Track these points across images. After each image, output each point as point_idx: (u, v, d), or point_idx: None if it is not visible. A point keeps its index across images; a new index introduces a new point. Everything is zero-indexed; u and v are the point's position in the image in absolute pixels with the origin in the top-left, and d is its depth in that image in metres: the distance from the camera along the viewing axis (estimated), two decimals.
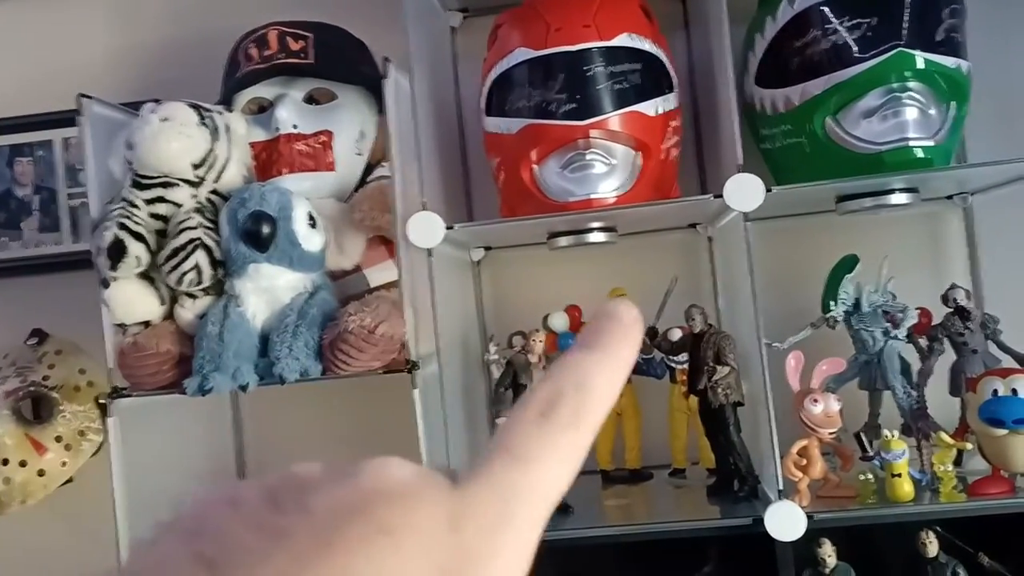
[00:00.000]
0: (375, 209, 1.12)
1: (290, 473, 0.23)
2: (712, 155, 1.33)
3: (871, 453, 1.14)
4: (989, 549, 1.10)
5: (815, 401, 1.08)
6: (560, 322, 1.30)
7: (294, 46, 1.18)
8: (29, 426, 1.29)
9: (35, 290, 1.52)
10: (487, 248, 1.44)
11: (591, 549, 1.13)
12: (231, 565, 0.19)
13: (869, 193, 1.15)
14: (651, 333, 1.28)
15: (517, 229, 1.23)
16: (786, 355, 1.11)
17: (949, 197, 1.34)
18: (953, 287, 1.18)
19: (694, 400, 1.19)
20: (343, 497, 0.21)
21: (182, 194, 1.12)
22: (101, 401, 1.16)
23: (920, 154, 1.07)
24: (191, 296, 1.12)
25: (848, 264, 1.16)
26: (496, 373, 1.25)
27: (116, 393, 1.14)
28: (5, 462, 1.26)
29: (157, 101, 1.15)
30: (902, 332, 1.15)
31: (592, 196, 1.11)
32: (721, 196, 1.05)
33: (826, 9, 1.08)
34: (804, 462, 1.09)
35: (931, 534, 1.07)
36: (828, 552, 1.07)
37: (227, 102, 1.21)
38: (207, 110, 1.14)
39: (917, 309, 1.17)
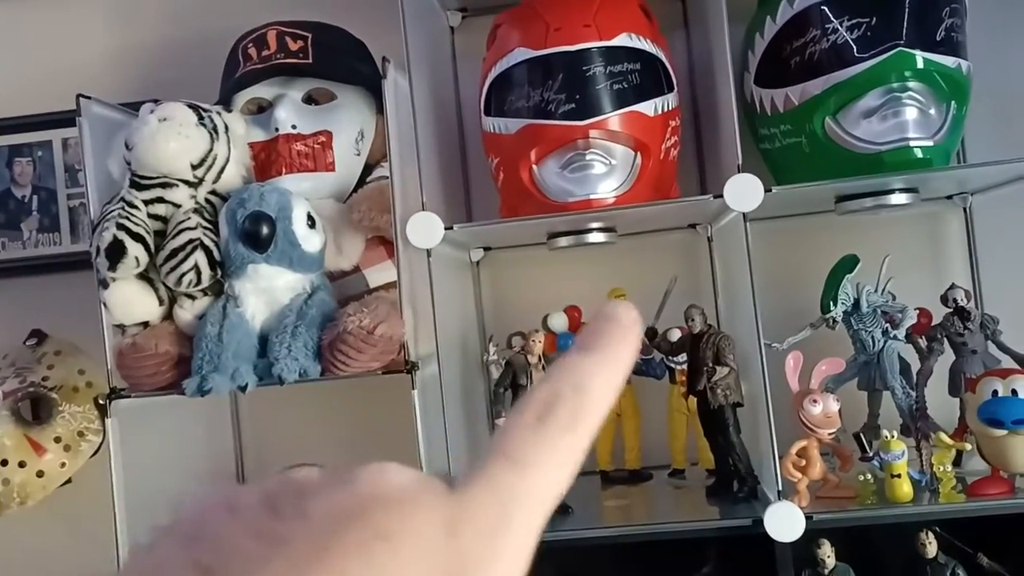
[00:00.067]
0: (374, 209, 1.12)
1: (288, 478, 0.23)
2: (712, 155, 1.33)
3: (870, 454, 1.14)
4: (988, 549, 1.10)
5: (814, 401, 1.08)
6: (559, 322, 1.30)
7: (293, 46, 1.18)
8: (28, 427, 1.29)
9: (34, 291, 1.52)
10: (486, 248, 1.44)
11: (590, 550, 1.13)
12: (228, 571, 0.19)
13: (869, 193, 1.15)
14: (650, 333, 1.28)
15: (516, 229, 1.23)
16: (785, 355, 1.11)
17: (949, 197, 1.34)
18: (952, 287, 1.18)
19: (693, 401, 1.19)
20: (341, 503, 0.21)
21: (181, 194, 1.12)
22: (100, 402, 1.16)
23: (920, 154, 1.07)
24: (190, 297, 1.12)
25: (848, 264, 1.16)
26: (495, 374, 1.25)
27: (115, 394, 1.14)
28: (4, 463, 1.26)
29: (156, 101, 1.15)
30: (901, 332, 1.15)
31: (591, 196, 1.11)
32: (721, 196, 1.05)
33: (826, 9, 1.08)
34: (803, 463, 1.09)
35: (930, 535, 1.07)
36: (827, 553, 1.07)
37: (226, 102, 1.21)
38: (206, 110, 1.14)
39: (916, 309, 1.17)
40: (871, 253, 1.17)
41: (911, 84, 1.06)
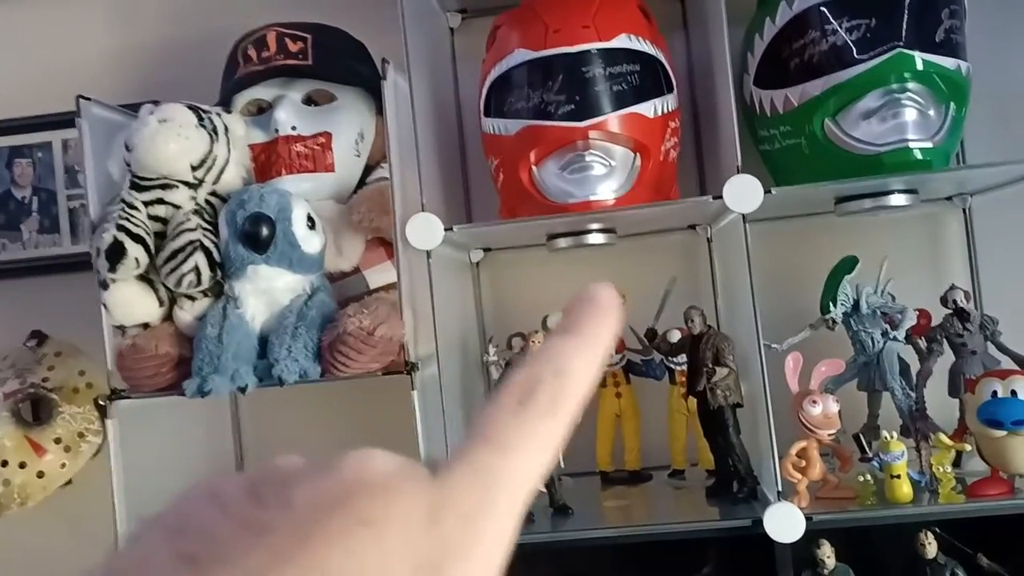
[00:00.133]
0: (374, 211, 1.12)
1: (272, 467, 0.23)
2: (711, 156, 1.33)
3: (870, 454, 1.14)
4: (988, 550, 1.10)
5: (814, 402, 1.08)
6: None
7: (293, 47, 1.18)
8: (28, 428, 1.29)
9: (34, 292, 1.52)
10: (486, 249, 1.44)
11: (590, 550, 1.13)
12: (213, 561, 0.19)
13: (868, 194, 1.15)
14: (650, 334, 1.28)
15: (516, 231, 1.23)
16: (785, 356, 1.11)
17: (948, 198, 1.34)
18: (952, 288, 1.18)
19: (693, 401, 1.19)
20: (324, 490, 0.21)
21: (181, 196, 1.12)
22: (100, 403, 1.16)
23: (919, 155, 1.07)
24: (190, 298, 1.12)
25: (847, 265, 1.16)
26: (495, 374, 1.25)
27: (115, 395, 1.14)
28: (4, 464, 1.26)
29: (156, 103, 1.15)
30: (901, 333, 1.15)
31: (591, 197, 1.11)
32: (720, 197, 1.05)
33: (825, 10, 1.08)
34: (803, 463, 1.09)
35: (930, 535, 1.07)
36: (827, 553, 1.07)
37: (226, 103, 1.21)
38: (206, 111, 1.14)
39: (916, 310, 1.18)
40: (870, 254, 1.17)
41: (910, 85, 1.06)
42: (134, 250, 1.06)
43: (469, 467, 0.23)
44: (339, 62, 1.22)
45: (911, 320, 1.15)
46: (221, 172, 1.14)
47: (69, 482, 1.32)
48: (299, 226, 1.09)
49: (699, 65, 1.34)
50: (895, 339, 1.15)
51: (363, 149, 1.22)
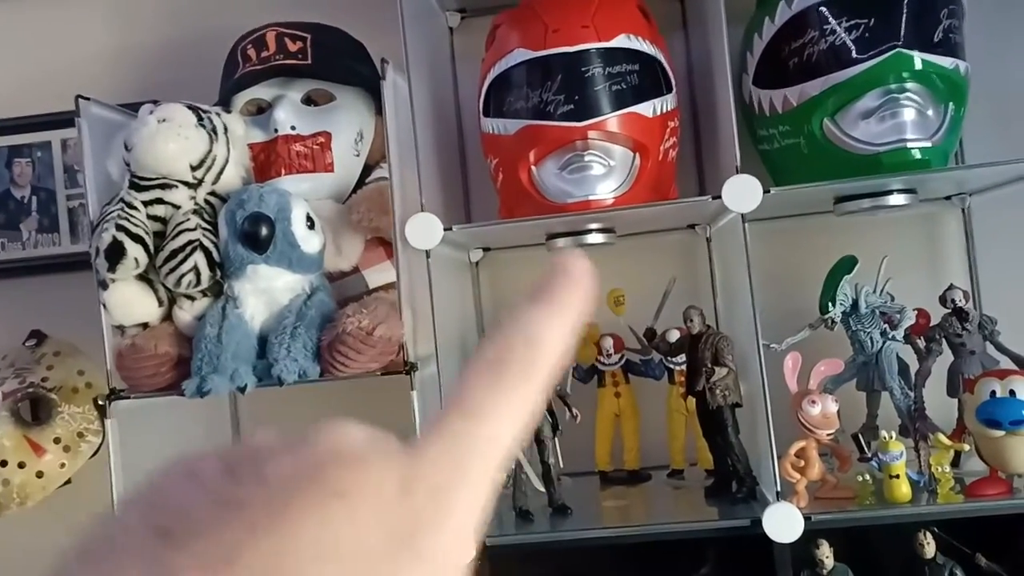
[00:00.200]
0: (373, 210, 1.12)
1: (246, 443, 0.23)
2: (710, 156, 1.33)
3: (869, 454, 1.14)
4: (987, 550, 1.10)
5: (813, 402, 1.08)
6: None
7: (292, 47, 1.18)
8: (27, 428, 1.29)
9: (33, 291, 1.52)
10: (486, 249, 1.44)
11: (589, 550, 1.13)
12: (188, 535, 0.19)
13: (867, 194, 1.15)
14: (649, 334, 1.28)
15: (515, 230, 1.23)
16: (784, 356, 1.11)
17: (947, 198, 1.34)
18: (951, 288, 1.18)
19: (692, 401, 1.20)
20: (297, 464, 0.21)
21: (180, 196, 1.12)
22: (100, 403, 1.16)
23: (918, 155, 1.07)
24: (189, 298, 1.12)
25: (846, 265, 1.16)
26: None
27: (114, 395, 1.14)
28: (3, 464, 1.26)
29: (155, 102, 1.15)
30: (900, 333, 1.15)
31: (590, 197, 1.11)
32: (719, 197, 1.05)
33: (824, 10, 1.08)
34: (802, 463, 1.09)
35: (929, 535, 1.07)
36: (826, 553, 1.07)
37: (225, 103, 1.21)
38: (205, 111, 1.14)
39: (915, 310, 1.18)
40: (869, 254, 1.18)
41: (909, 85, 1.06)
42: (133, 250, 1.06)
43: (442, 436, 0.23)
44: (338, 62, 1.22)
45: (910, 320, 1.15)
46: (220, 172, 1.14)
47: (68, 482, 1.32)
48: (298, 226, 1.09)
49: (698, 65, 1.34)
50: (894, 339, 1.15)
51: (362, 149, 1.22)
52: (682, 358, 1.23)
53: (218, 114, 1.15)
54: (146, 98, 1.24)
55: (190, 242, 1.08)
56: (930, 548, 1.07)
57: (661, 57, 1.15)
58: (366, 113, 1.23)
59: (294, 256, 1.09)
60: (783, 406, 1.09)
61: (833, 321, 1.16)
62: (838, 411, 1.09)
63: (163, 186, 1.11)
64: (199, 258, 1.08)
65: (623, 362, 1.30)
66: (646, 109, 1.12)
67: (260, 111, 1.21)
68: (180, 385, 1.07)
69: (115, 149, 1.15)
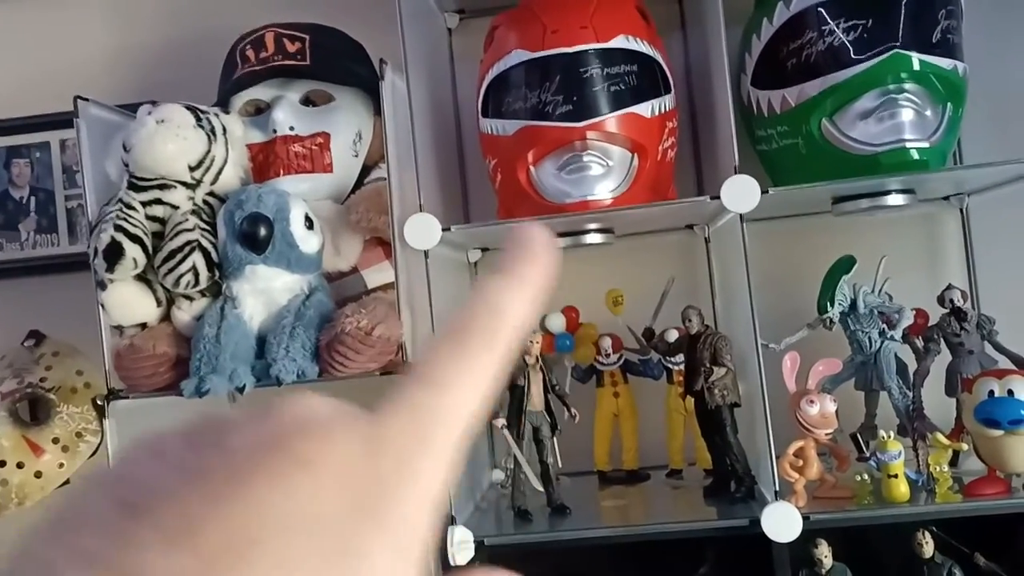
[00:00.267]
0: (372, 211, 1.12)
1: (209, 417, 0.23)
2: (709, 156, 1.33)
3: (867, 454, 1.14)
4: (985, 549, 1.10)
5: (811, 402, 1.08)
6: (557, 323, 1.30)
7: (291, 48, 1.18)
8: (26, 428, 1.29)
9: (32, 292, 1.52)
10: (484, 249, 1.44)
11: (588, 550, 1.14)
12: (150, 507, 0.19)
13: (865, 194, 1.15)
14: (648, 334, 1.28)
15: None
16: (782, 356, 1.11)
17: (945, 198, 1.34)
18: (949, 288, 1.18)
19: (691, 401, 1.20)
20: (261, 434, 0.21)
21: (179, 196, 1.12)
22: (98, 403, 1.16)
23: (916, 156, 1.07)
24: (188, 298, 1.12)
25: (844, 265, 1.16)
26: None
27: (113, 395, 1.14)
28: (2, 464, 1.26)
29: (154, 103, 1.15)
30: (898, 333, 1.15)
31: (589, 197, 1.11)
32: (718, 197, 1.05)
33: (822, 10, 1.08)
34: (800, 463, 1.09)
35: (927, 535, 1.07)
36: (824, 553, 1.07)
37: (224, 104, 1.21)
38: (204, 112, 1.14)
39: (913, 310, 1.18)
40: (868, 254, 1.18)
41: (907, 86, 1.06)
42: (132, 250, 1.06)
43: (405, 405, 0.23)
44: (337, 62, 1.22)
45: (908, 320, 1.16)
46: (219, 172, 1.14)
47: (67, 482, 1.32)
48: (297, 226, 1.09)
49: (697, 65, 1.34)
50: (892, 339, 1.15)
51: (361, 149, 1.22)
52: (681, 358, 1.23)
53: (216, 115, 1.15)
54: (145, 99, 1.24)
55: (188, 242, 1.08)
56: (928, 547, 1.07)
57: (659, 58, 1.15)
58: (365, 114, 1.23)
59: (292, 256, 1.09)
60: (782, 406, 1.09)
61: (831, 321, 1.16)
62: (836, 411, 1.09)
63: (161, 187, 1.11)
64: (197, 258, 1.08)
65: (622, 362, 1.30)
66: (644, 110, 1.12)
67: (259, 112, 1.21)
68: (179, 385, 1.07)
69: (113, 150, 1.15)
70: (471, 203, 1.43)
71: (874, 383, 1.17)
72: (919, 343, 1.19)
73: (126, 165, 1.12)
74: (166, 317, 1.14)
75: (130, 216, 1.08)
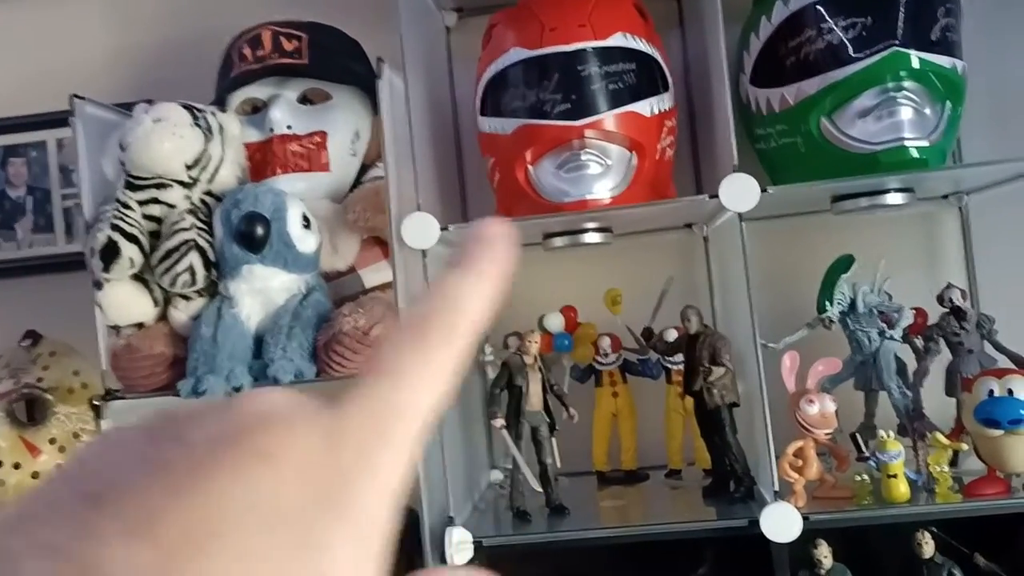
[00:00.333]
0: (369, 210, 1.12)
1: (170, 411, 0.24)
2: (707, 155, 1.33)
3: (867, 454, 1.14)
4: (985, 549, 1.10)
5: (811, 402, 1.08)
6: (556, 323, 1.30)
7: (288, 46, 1.18)
8: (23, 428, 1.28)
9: (29, 291, 1.51)
10: None
11: (587, 550, 1.13)
12: (113, 498, 0.20)
13: (864, 193, 1.15)
14: (647, 334, 1.28)
15: (512, 230, 1.22)
16: (782, 356, 1.11)
17: (945, 197, 1.33)
18: (949, 287, 1.18)
19: (690, 401, 1.19)
20: (221, 426, 0.22)
21: (175, 195, 1.12)
22: (95, 403, 1.15)
23: (915, 154, 1.07)
24: (185, 297, 1.11)
25: (844, 264, 1.16)
26: (491, 374, 1.25)
27: (110, 395, 1.13)
28: None
29: (151, 102, 1.14)
30: (898, 332, 1.15)
31: (587, 197, 1.11)
32: (716, 196, 1.05)
33: (821, 8, 1.08)
34: (800, 463, 1.08)
35: (927, 535, 1.07)
36: (824, 553, 1.07)
37: (221, 102, 1.21)
38: (200, 111, 1.13)
39: (913, 309, 1.17)
40: (867, 253, 1.17)
41: (906, 84, 1.06)
42: (128, 250, 1.06)
43: (365, 399, 0.23)
44: (334, 61, 1.22)
45: (908, 319, 1.15)
46: (216, 171, 1.14)
47: None
48: (294, 225, 1.09)
49: (695, 64, 1.34)
50: (892, 338, 1.15)
51: (359, 148, 1.22)
52: (679, 358, 1.23)
53: (213, 113, 1.15)
54: (142, 97, 1.23)
55: (185, 242, 1.07)
56: (928, 548, 1.06)
57: (658, 56, 1.15)
58: (362, 112, 1.23)
59: (290, 256, 1.09)
60: (781, 406, 1.08)
61: (831, 320, 1.16)
62: (836, 411, 1.09)
63: (158, 186, 1.11)
64: (194, 258, 1.07)
65: (620, 362, 1.30)
66: (643, 108, 1.11)
67: (256, 110, 1.21)
68: (175, 385, 1.07)
69: (110, 148, 1.14)
70: (469, 202, 1.43)
71: (874, 383, 1.16)
72: (919, 343, 1.18)
73: (123, 164, 1.12)
74: (163, 317, 1.14)
75: (127, 215, 1.08)
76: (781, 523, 1.00)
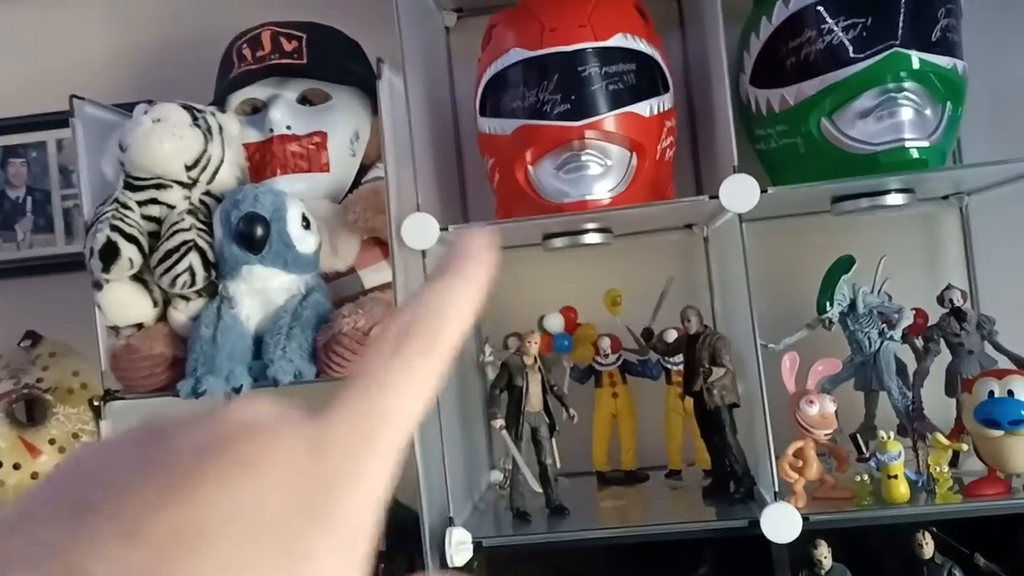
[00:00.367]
0: (369, 210, 1.12)
1: (155, 419, 0.24)
2: (707, 155, 1.33)
3: (867, 454, 1.14)
4: (985, 550, 1.10)
5: (811, 402, 1.07)
6: (555, 323, 1.30)
7: (287, 46, 1.18)
8: (23, 428, 1.28)
9: (29, 292, 1.51)
10: None
11: (587, 551, 1.13)
12: (96, 504, 0.20)
13: (865, 194, 1.14)
14: (647, 334, 1.28)
15: (512, 230, 1.22)
16: (781, 356, 1.11)
17: (945, 197, 1.33)
18: (949, 288, 1.18)
19: (690, 401, 1.19)
20: (206, 435, 0.22)
21: (175, 196, 1.11)
22: (95, 404, 1.15)
23: (915, 155, 1.06)
24: (184, 298, 1.11)
25: (844, 265, 1.16)
26: (491, 375, 1.25)
27: (109, 396, 1.13)
28: None
29: (150, 102, 1.14)
30: (898, 333, 1.15)
31: (587, 197, 1.11)
32: (716, 197, 1.05)
33: (821, 9, 1.08)
34: (800, 463, 1.08)
35: (927, 535, 1.07)
36: (824, 554, 1.07)
37: (220, 103, 1.21)
38: (200, 111, 1.13)
39: (913, 310, 1.17)
40: (867, 254, 1.17)
41: (907, 84, 1.06)
42: (128, 250, 1.06)
43: (349, 407, 0.24)
44: (334, 61, 1.21)
45: (908, 320, 1.15)
46: (215, 172, 1.14)
47: None
48: (294, 226, 1.09)
49: (695, 64, 1.34)
50: (892, 339, 1.15)
51: (358, 149, 1.22)
52: (679, 358, 1.23)
53: (213, 114, 1.15)
54: (142, 98, 1.23)
55: (185, 242, 1.07)
56: (928, 548, 1.06)
57: (658, 56, 1.15)
58: (362, 113, 1.22)
59: (289, 256, 1.09)
60: (781, 406, 1.08)
61: (831, 321, 1.16)
62: (836, 411, 1.09)
63: (158, 186, 1.11)
64: (194, 258, 1.07)
65: (620, 362, 1.30)
66: (643, 108, 1.11)
67: (255, 111, 1.21)
68: (175, 386, 1.07)
69: (109, 149, 1.14)
70: (469, 203, 1.42)
71: (874, 383, 1.16)
72: (919, 343, 1.18)
73: (122, 164, 1.11)
74: (162, 317, 1.14)
75: (126, 216, 1.08)
76: (781, 523, 1.00)
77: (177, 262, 1.07)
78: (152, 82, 1.47)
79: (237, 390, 1.05)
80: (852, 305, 1.16)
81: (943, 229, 1.36)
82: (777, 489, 1.02)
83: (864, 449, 1.16)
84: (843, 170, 1.08)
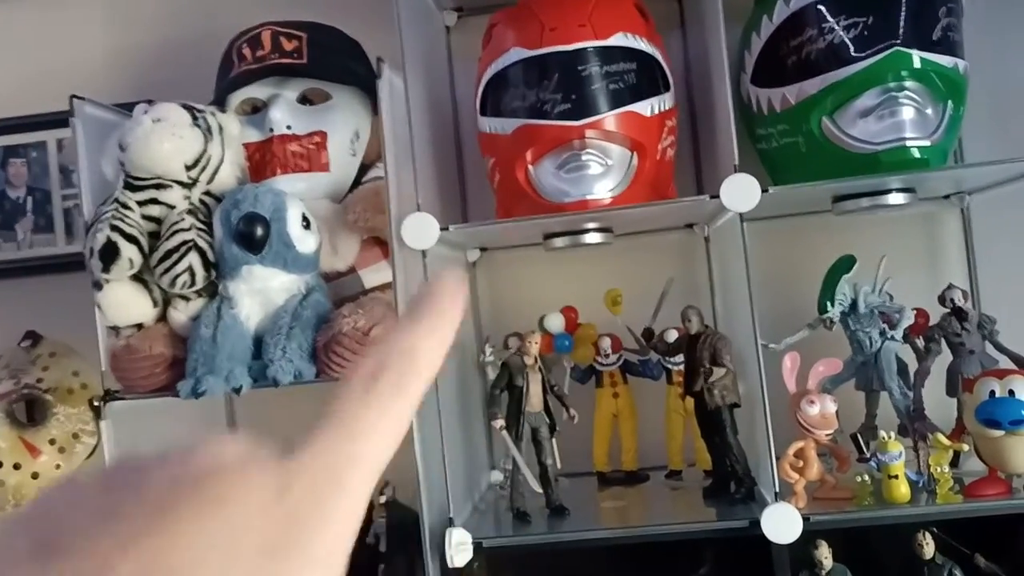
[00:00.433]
0: (369, 210, 1.12)
1: (125, 458, 0.24)
2: (708, 155, 1.33)
3: (868, 454, 1.14)
4: (986, 550, 1.10)
5: (811, 402, 1.07)
6: (556, 323, 1.29)
7: (287, 46, 1.17)
8: (23, 429, 1.28)
9: (29, 292, 1.51)
10: (483, 249, 1.43)
11: (587, 551, 1.13)
12: (65, 545, 0.20)
13: (866, 193, 1.14)
14: (647, 334, 1.28)
15: (513, 230, 1.22)
16: (782, 356, 1.11)
17: (946, 197, 1.33)
18: (950, 287, 1.18)
19: (690, 401, 1.19)
20: (175, 474, 0.22)
21: (175, 195, 1.11)
22: (95, 404, 1.15)
23: (917, 154, 1.06)
24: (184, 298, 1.11)
25: (845, 265, 1.16)
26: (492, 375, 1.25)
27: (109, 396, 1.13)
28: None
29: (150, 102, 1.14)
30: (899, 333, 1.15)
31: (588, 197, 1.11)
32: (717, 196, 1.05)
33: (822, 8, 1.08)
34: (800, 464, 1.08)
35: (928, 535, 1.06)
36: (824, 554, 1.06)
37: (220, 103, 1.21)
38: (200, 111, 1.13)
39: (914, 310, 1.17)
40: (868, 253, 1.17)
41: (908, 84, 1.06)
42: (128, 250, 1.06)
43: (318, 448, 0.24)
44: (334, 61, 1.21)
45: (909, 319, 1.15)
46: (215, 172, 1.14)
47: None
48: (294, 226, 1.09)
49: (696, 63, 1.34)
50: (893, 339, 1.15)
51: (358, 148, 1.21)
52: (680, 358, 1.23)
53: (213, 113, 1.14)
54: (142, 98, 1.23)
55: (185, 242, 1.07)
56: (929, 548, 1.06)
57: (659, 56, 1.14)
58: (362, 112, 1.22)
59: (289, 256, 1.08)
60: (782, 406, 1.08)
61: (832, 321, 1.16)
62: (837, 411, 1.09)
63: (158, 186, 1.10)
64: (194, 258, 1.07)
65: (621, 362, 1.30)
66: (644, 108, 1.11)
67: (255, 110, 1.21)
68: (175, 386, 1.07)
69: (109, 149, 1.14)
70: (469, 202, 1.42)
71: (874, 383, 1.16)
72: (920, 343, 1.18)
73: (122, 164, 1.11)
74: (162, 317, 1.14)
75: (126, 216, 1.08)
76: (781, 524, 1.00)
77: (177, 262, 1.07)
78: (152, 82, 1.47)
79: (237, 390, 1.04)
80: (853, 305, 1.16)
81: (944, 229, 1.36)
82: (778, 489, 1.02)
83: (865, 449, 1.16)
84: (844, 169, 1.08)
